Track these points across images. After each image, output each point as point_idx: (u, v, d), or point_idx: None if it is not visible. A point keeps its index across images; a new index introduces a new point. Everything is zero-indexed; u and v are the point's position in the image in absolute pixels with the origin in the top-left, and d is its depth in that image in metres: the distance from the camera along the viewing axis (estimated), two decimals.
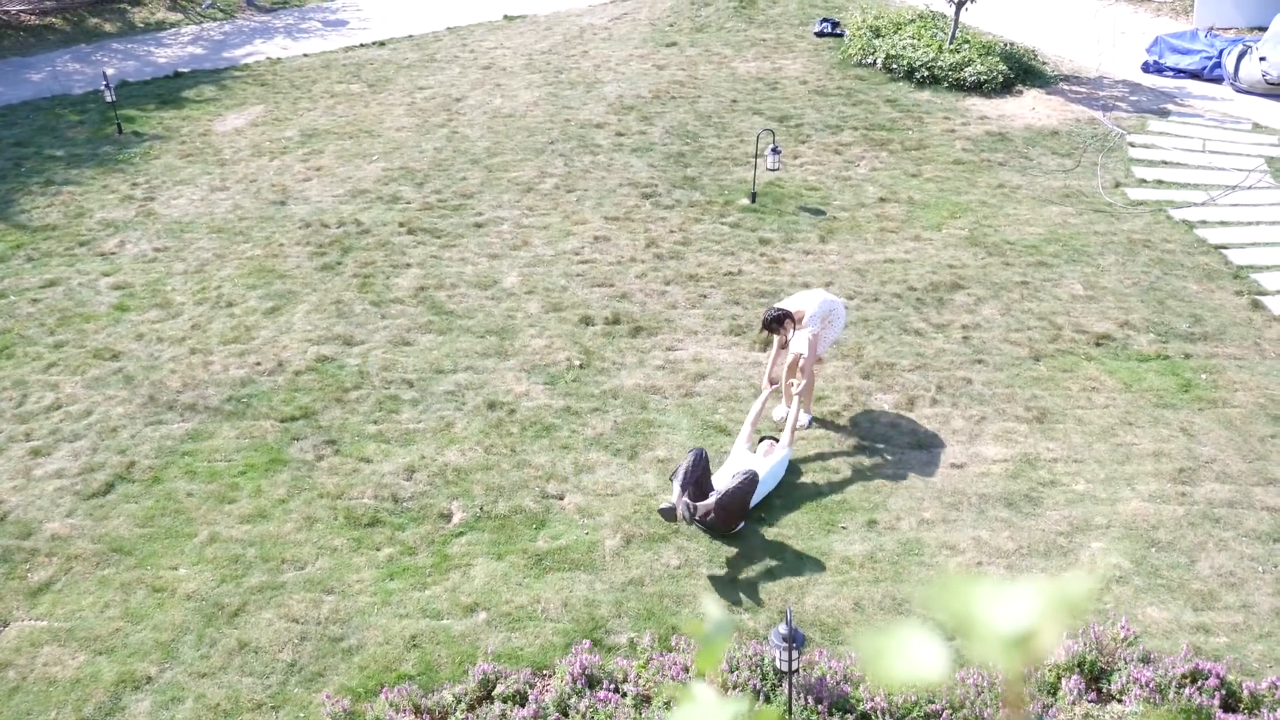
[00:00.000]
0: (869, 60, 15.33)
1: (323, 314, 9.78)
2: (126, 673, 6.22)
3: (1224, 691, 5.76)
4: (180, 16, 19.02)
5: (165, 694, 6.09)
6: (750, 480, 6.99)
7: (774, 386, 8.09)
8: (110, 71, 15.66)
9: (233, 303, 10.02)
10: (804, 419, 8.09)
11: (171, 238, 11.31)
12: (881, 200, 11.75)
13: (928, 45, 15.09)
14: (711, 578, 6.81)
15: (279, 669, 6.23)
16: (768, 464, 7.43)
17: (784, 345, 7.98)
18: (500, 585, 6.77)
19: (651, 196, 11.85)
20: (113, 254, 11.02)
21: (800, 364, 7.91)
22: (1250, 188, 11.94)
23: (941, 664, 0.64)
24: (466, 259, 10.67)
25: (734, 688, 5.75)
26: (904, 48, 15.11)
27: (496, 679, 6.00)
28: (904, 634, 0.66)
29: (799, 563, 6.91)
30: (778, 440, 7.72)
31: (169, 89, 15.55)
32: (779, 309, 7.86)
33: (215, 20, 18.85)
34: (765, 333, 8.06)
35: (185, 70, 16.32)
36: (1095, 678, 5.93)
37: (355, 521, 7.31)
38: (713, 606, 0.78)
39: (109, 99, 13.69)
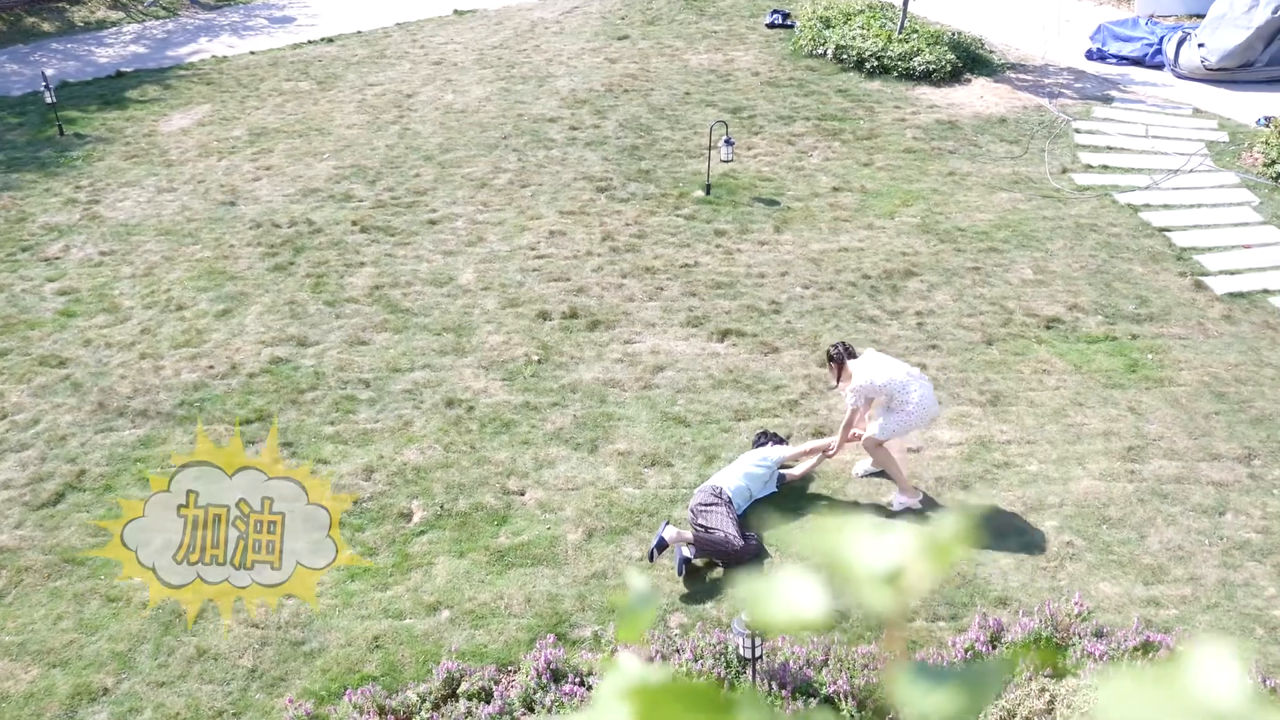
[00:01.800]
0: (819, 51, 15.43)
1: (276, 315, 9.68)
2: (82, 685, 6.12)
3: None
4: (122, 15, 18.67)
5: (123, 705, 6.00)
6: (736, 550, 6.76)
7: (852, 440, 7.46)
8: (50, 72, 15.32)
9: (183, 306, 9.88)
10: (861, 467, 7.62)
11: (118, 241, 11.12)
12: (835, 190, 11.84)
13: (877, 35, 15.22)
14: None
15: (239, 675, 6.17)
16: (763, 479, 7.39)
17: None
18: (463, 583, 6.75)
19: (606, 190, 11.84)
20: (57, 259, 10.81)
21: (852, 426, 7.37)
22: (1191, 171, 12.18)
23: (821, 605, 0.67)
24: (421, 256, 10.60)
25: (699, 676, 5.79)
26: (854, 38, 15.22)
27: (461, 677, 5.99)
28: (783, 578, 0.69)
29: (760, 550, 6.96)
30: (784, 443, 7.68)
31: (111, 89, 15.27)
32: (842, 349, 7.45)
33: (158, 18, 18.53)
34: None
35: (128, 70, 16.03)
36: (1051, 653, 6.05)
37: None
38: (636, 577, 0.80)
39: (49, 100, 13.42)
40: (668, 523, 6.84)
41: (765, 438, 7.70)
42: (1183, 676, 0.59)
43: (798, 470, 7.56)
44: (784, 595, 0.67)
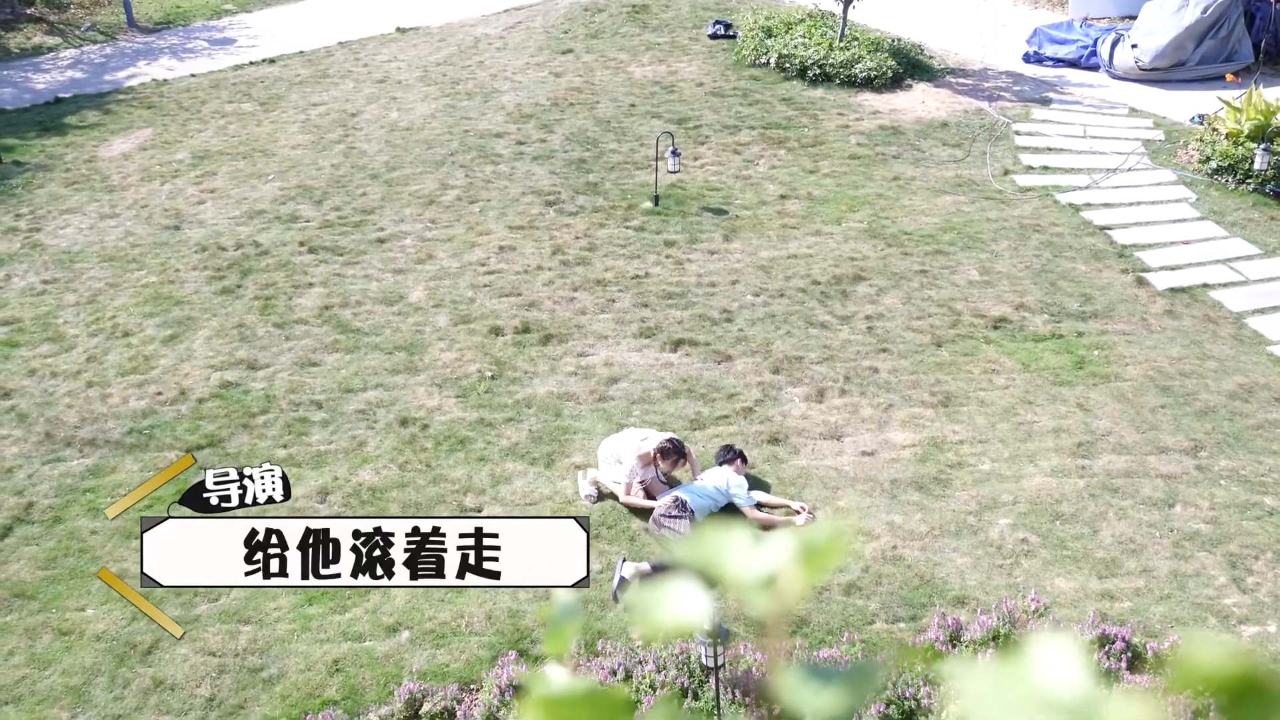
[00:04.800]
0: (762, 60, 15.57)
1: (224, 339, 9.55)
2: None
3: (1130, 654, 6.00)
4: (58, 40, 18.36)
5: None
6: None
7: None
8: None
9: (129, 332, 9.72)
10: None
11: (61, 268, 10.92)
12: (782, 197, 11.95)
13: (818, 44, 15.40)
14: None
15: (197, 705, 6.06)
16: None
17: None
18: (422, 603, 6.70)
19: (555, 204, 11.84)
20: None
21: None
22: (1130, 170, 12.46)
23: (705, 611, 0.70)
24: (370, 275, 10.52)
25: (662, 686, 5.79)
26: (796, 47, 15.38)
27: (423, 698, 5.94)
28: (670, 587, 0.71)
29: None
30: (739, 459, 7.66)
31: (50, 115, 15.00)
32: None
33: (96, 43, 18.25)
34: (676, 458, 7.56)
35: (66, 95, 15.76)
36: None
37: None
38: (562, 591, 0.81)
39: None
40: (625, 559, 6.78)
41: (730, 453, 7.63)
42: (1028, 671, 0.62)
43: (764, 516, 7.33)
44: (669, 602, 0.69)
